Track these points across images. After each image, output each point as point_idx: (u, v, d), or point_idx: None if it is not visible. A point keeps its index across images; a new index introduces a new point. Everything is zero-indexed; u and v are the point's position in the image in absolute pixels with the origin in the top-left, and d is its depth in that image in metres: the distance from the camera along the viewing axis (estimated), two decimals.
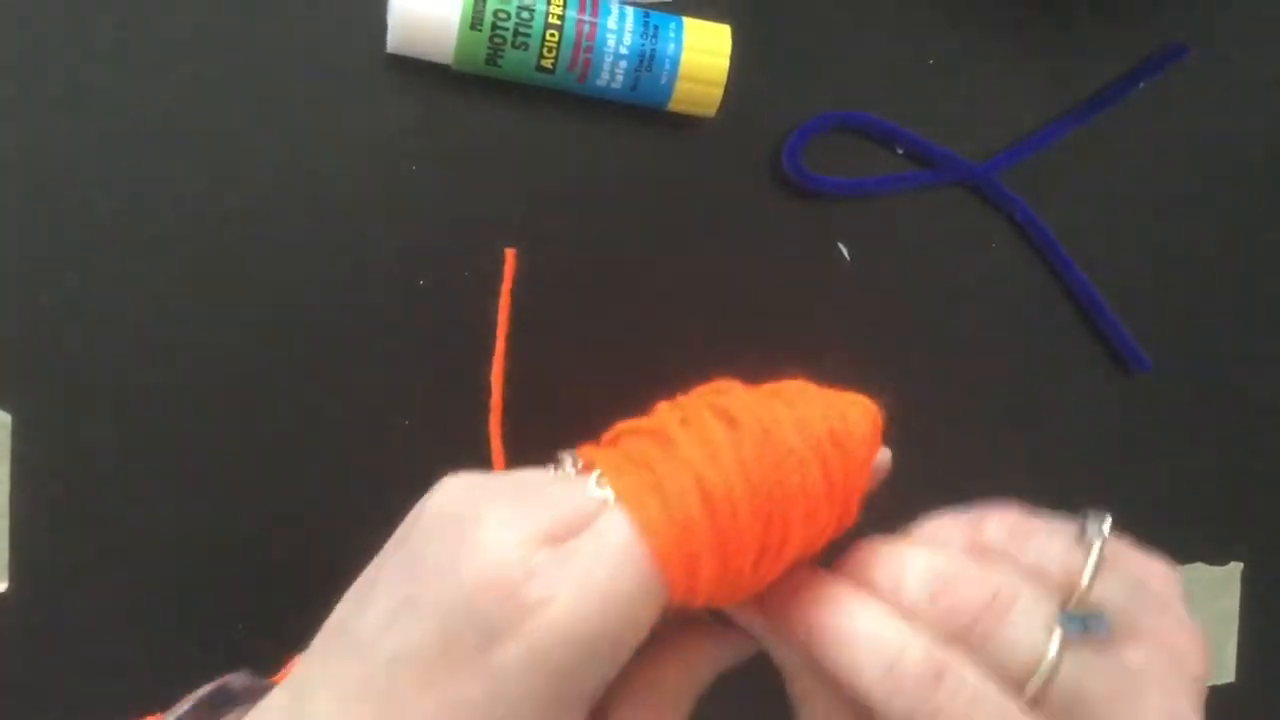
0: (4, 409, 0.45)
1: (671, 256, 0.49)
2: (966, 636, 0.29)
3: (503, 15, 0.43)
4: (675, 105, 0.46)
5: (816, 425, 0.31)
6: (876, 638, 0.29)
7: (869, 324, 0.51)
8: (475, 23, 0.43)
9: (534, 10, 0.43)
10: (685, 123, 0.47)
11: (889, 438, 0.33)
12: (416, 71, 0.45)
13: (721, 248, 0.49)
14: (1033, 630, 0.29)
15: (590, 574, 0.27)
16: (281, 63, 0.45)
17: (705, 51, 0.45)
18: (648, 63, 0.44)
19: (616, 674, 0.28)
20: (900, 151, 0.50)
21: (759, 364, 0.50)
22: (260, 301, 0.46)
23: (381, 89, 0.45)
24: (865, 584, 0.31)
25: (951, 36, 0.50)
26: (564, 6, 0.44)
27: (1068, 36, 0.51)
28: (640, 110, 0.47)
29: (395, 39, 0.44)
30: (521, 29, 0.43)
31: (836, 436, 0.31)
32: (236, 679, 0.33)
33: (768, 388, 0.33)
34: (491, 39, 0.43)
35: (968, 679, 0.29)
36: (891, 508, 0.52)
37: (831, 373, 0.51)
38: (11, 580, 0.45)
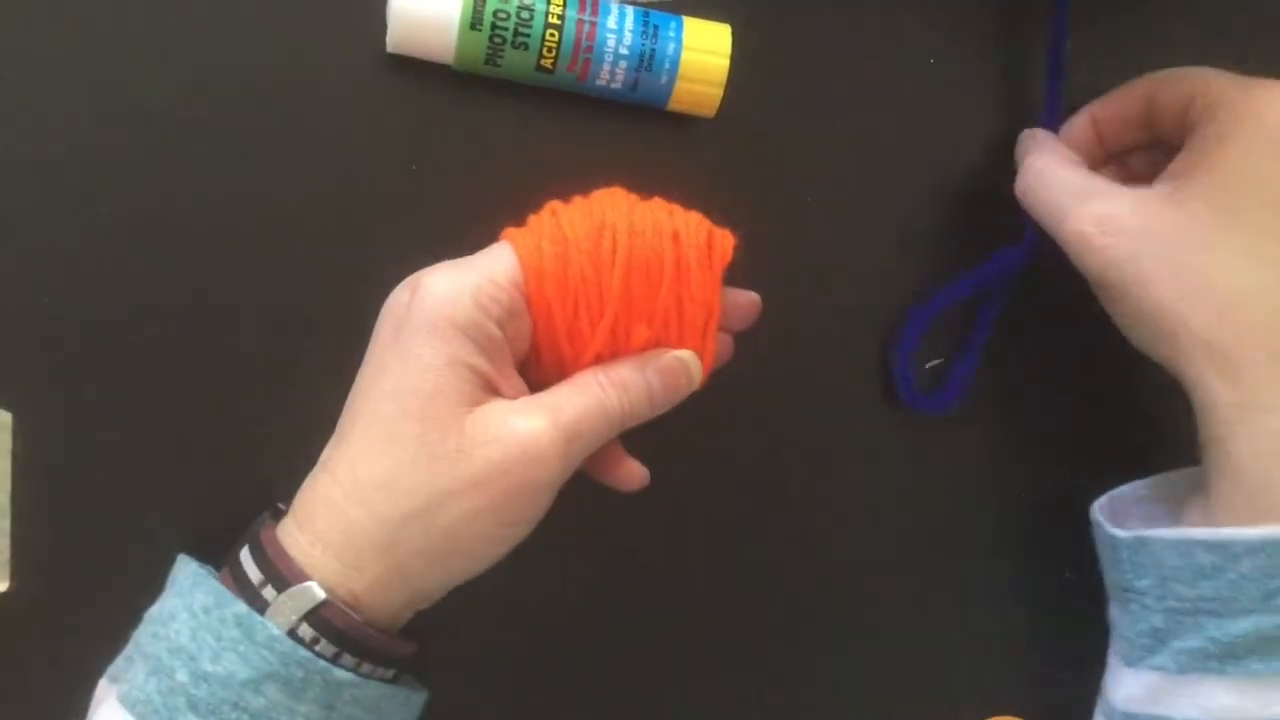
0: (4, 409, 0.45)
1: None
2: None
3: (502, 15, 0.43)
4: (675, 105, 0.46)
5: (651, 219, 0.42)
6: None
7: (870, 321, 0.51)
8: (475, 23, 0.43)
9: (534, 10, 0.43)
10: (685, 123, 0.47)
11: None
12: (416, 71, 0.45)
13: None
14: None
15: (467, 259, 0.41)
16: (281, 62, 0.45)
17: (705, 51, 0.45)
18: (647, 63, 0.44)
19: (505, 339, 0.40)
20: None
21: (760, 364, 0.50)
22: (261, 301, 0.46)
23: (381, 89, 0.45)
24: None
25: (952, 36, 0.50)
26: (564, 6, 0.44)
27: (1072, 34, 0.51)
28: (640, 110, 0.47)
29: (395, 39, 0.44)
30: (521, 29, 0.43)
31: (675, 233, 0.42)
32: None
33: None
34: (491, 39, 0.43)
35: None
36: (902, 509, 0.52)
37: (833, 372, 0.52)
38: (12, 580, 0.45)
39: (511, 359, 0.41)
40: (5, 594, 0.45)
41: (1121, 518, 0.47)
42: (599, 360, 0.42)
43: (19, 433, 0.45)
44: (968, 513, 0.53)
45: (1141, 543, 0.43)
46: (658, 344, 0.42)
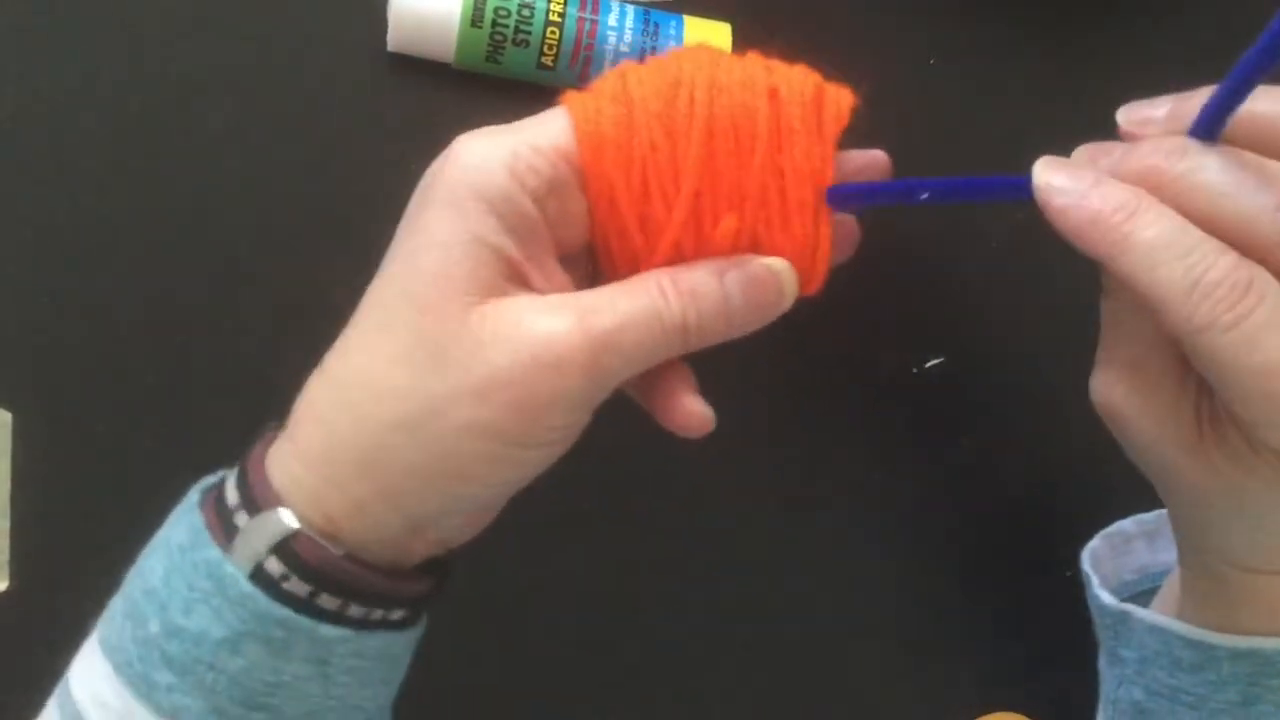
0: (4, 408, 0.44)
1: None
2: None
3: (503, 13, 0.43)
4: None
5: (741, 73, 0.34)
6: (1181, 252, 0.30)
7: (870, 323, 0.51)
8: (476, 20, 0.43)
9: (534, 8, 0.44)
10: None
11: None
12: (417, 69, 0.45)
13: None
14: None
15: (515, 123, 0.35)
16: (282, 61, 0.45)
17: None
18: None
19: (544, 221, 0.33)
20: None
21: (762, 365, 0.50)
22: (261, 301, 0.46)
23: (382, 87, 0.45)
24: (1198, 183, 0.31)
25: (953, 35, 0.50)
26: (564, 4, 0.44)
27: (1071, 34, 0.51)
28: None
29: (396, 37, 0.44)
30: (522, 27, 0.43)
31: (773, 89, 0.34)
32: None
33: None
34: (492, 37, 0.44)
35: (1273, 290, 0.30)
36: (902, 507, 0.52)
37: (832, 371, 0.52)
38: (11, 580, 0.45)
39: (553, 248, 0.34)
40: (5, 593, 0.45)
41: (1121, 553, 0.46)
42: (678, 256, 0.34)
43: (19, 433, 0.45)
44: (968, 511, 0.53)
45: (1124, 617, 0.41)
46: (754, 236, 0.34)
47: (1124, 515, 0.53)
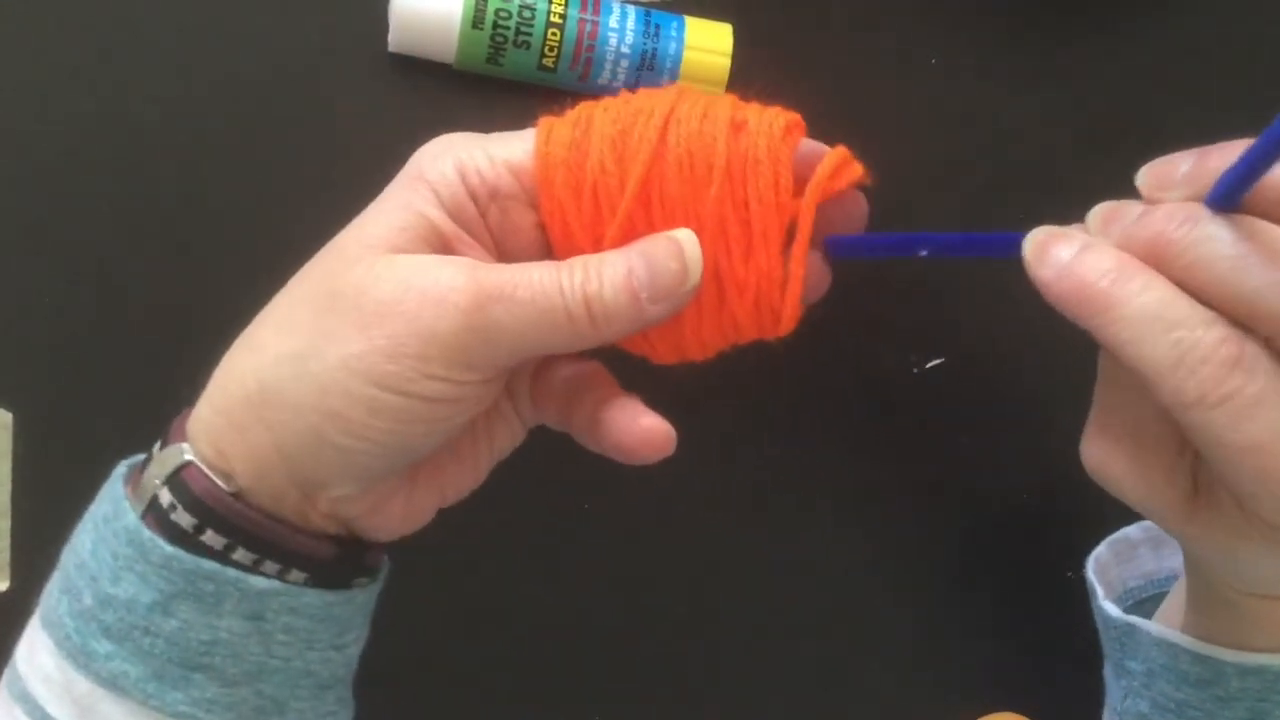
0: (4, 408, 0.45)
1: None
2: None
3: (504, 14, 0.43)
4: None
5: (704, 106, 0.35)
6: (1168, 325, 0.30)
7: (870, 323, 0.51)
8: (477, 22, 0.43)
9: (535, 9, 0.43)
10: None
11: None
12: (418, 71, 0.45)
13: None
14: None
15: (491, 135, 0.36)
16: (282, 62, 0.45)
17: (707, 51, 0.45)
18: (649, 62, 0.45)
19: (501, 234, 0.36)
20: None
21: (760, 365, 0.50)
22: (261, 300, 0.46)
23: (383, 88, 0.45)
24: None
25: (953, 35, 0.50)
26: (565, 5, 0.44)
27: (1073, 34, 0.51)
28: None
29: (397, 38, 0.44)
30: (523, 28, 0.43)
31: (739, 121, 0.35)
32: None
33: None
34: (493, 38, 0.44)
35: (1262, 366, 0.29)
36: (902, 507, 0.52)
37: (832, 374, 0.52)
38: (12, 580, 0.45)
39: (493, 249, 0.36)
40: (5, 593, 0.45)
41: (1125, 560, 0.46)
42: None
43: (19, 433, 0.45)
44: (968, 511, 0.53)
45: (1131, 630, 0.42)
46: (714, 265, 0.34)
47: (1125, 516, 0.53)
